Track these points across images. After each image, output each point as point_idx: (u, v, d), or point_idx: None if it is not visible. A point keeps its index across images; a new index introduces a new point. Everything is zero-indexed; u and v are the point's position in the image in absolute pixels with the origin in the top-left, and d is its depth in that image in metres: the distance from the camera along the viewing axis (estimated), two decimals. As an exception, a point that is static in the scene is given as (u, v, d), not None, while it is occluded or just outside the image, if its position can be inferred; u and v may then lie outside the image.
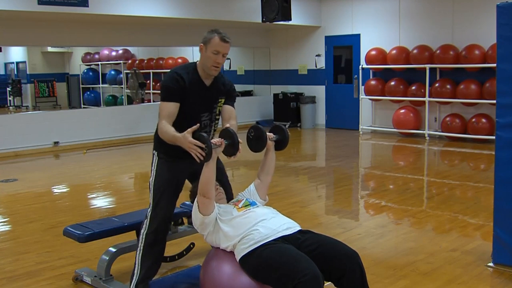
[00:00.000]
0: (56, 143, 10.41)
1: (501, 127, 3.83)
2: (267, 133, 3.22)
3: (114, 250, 3.73)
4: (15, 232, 5.33)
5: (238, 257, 2.89)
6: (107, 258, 3.70)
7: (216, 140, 2.96)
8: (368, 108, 12.14)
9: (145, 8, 9.98)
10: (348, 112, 12.49)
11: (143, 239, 3.34)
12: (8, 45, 17.47)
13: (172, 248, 4.24)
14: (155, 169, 3.40)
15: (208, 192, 2.96)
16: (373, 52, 11.58)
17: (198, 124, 3.03)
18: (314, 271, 2.60)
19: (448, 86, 10.40)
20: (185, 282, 3.54)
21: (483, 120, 9.96)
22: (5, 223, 5.70)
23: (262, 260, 2.77)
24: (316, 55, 13.12)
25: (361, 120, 12.02)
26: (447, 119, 10.53)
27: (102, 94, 18.51)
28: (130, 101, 15.61)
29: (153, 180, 3.38)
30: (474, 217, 5.32)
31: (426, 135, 10.79)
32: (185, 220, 4.16)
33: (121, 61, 17.34)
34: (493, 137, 4.14)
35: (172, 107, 3.21)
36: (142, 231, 3.36)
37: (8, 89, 20.13)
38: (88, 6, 9.11)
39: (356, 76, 12.14)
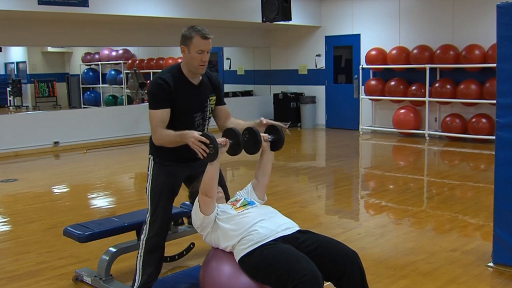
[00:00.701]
0: (56, 143, 10.41)
1: (501, 127, 3.83)
2: (262, 134, 3.17)
3: (114, 250, 3.73)
4: (15, 232, 5.34)
5: (237, 257, 2.89)
6: (107, 258, 3.70)
7: (221, 139, 2.96)
8: (368, 108, 12.13)
9: (145, 8, 9.98)
10: (348, 112, 12.49)
11: (143, 245, 3.34)
12: (8, 45, 17.48)
13: (172, 248, 4.24)
14: (151, 174, 3.38)
15: (210, 191, 2.95)
16: (373, 52, 11.58)
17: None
18: (314, 271, 2.60)
19: (448, 86, 10.39)
20: (185, 282, 3.54)
21: (483, 120, 9.96)
22: (5, 223, 5.71)
23: (262, 261, 2.77)
24: (316, 55, 13.12)
25: (361, 120, 12.02)
26: (447, 119, 10.53)
27: (102, 94, 18.52)
28: (130, 101, 15.61)
29: (149, 185, 3.37)
30: (474, 217, 5.32)
31: (426, 135, 10.79)
32: (185, 220, 4.16)
33: (121, 61, 17.35)
34: (493, 137, 4.14)
35: (163, 114, 3.17)
36: (142, 237, 3.35)
37: (8, 89, 20.13)
38: (88, 6, 9.11)
39: (356, 76, 12.14)
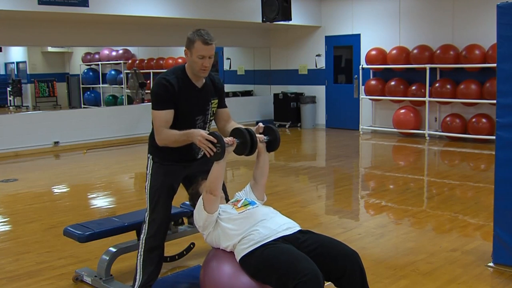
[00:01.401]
0: (56, 143, 10.41)
1: (501, 127, 3.83)
2: (258, 135, 3.14)
3: (114, 250, 3.73)
4: (15, 232, 5.34)
5: (238, 257, 2.89)
6: (107, 258, 3.70)
7: (228, 139, 2.96)
8: (368, 108, 12.13)
9: (145, 8, 9.98)
10: (348, 112, 12.49)
11: (143, 245, 3.34)
12: (8, 45, 17.48)
13: (172, 248, 4.24)
14: (150, 173, 3.38)
15: (215, 190, 2.95)
16: (373, 52, 11.58)
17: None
18: (315, 271, 2.60)
19: (448, 86, 10.39)
20: (185, 282, 3.54)
21: (483, 120, 9.96)
22: (5, 223, 5.71)
23: (262, 260, 2.77)
24: (316, 55, 13.12)
25: (361, 120, 12.02)
26: (447, 119, 10.53)
27: (102, 94, 18.52)
28: (130, 101, 15.61)
29: (148, 185, 3.37)
30: (474, 217, 5.32)
31: (426, 135, 10.78)
32: (185, 220, 4.16)
33: (121, 61, 17.35)
34: (493, 137, 4.14)
35: (167, 115, 3.17)
36: (142, 236, 3.36)
37: (8, 89, 20.14)
38: (88, 6, 9.11)
39: (356, 76, 12.14)
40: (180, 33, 12.53)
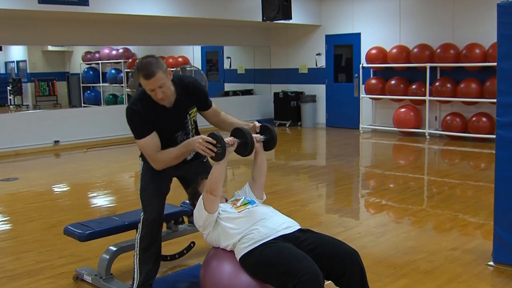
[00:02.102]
0: (56, 142, 10.41)
1: (502, 126, 3.83)
2: (254, 135, 3.11)
3: (114, 249, 3.72)
4: (15, 231, 5.34)
5: (238, 256, 2.89)
6: (108, 257, 3.70)
7: (229, 139, 2.95)
8: (369, 107, 12.13)
9: (146, 7, 9.98)
10: (349, 111, 12.49)
11: (138, 244, 3.35)
12: (9, 44, 17.49)
13: (172, 247, 4.24)
14: (141, 174, 3.41)
15: (216, 190, 2.94)
16: (374, 51, 11.57)
17: None
18: (315, 270, 2.60)
19: (449, 85, 10.39)
20: (185, 281, 3.54)
21: (484, 119, 9.96)
22: (5, 222, 5.71)
23: (262, 259, 2.77)
24: (317, 54, 13.12)
25: (361, 119, 12.01)
26: (448, 118, 10.53)
27: (102, 93, 18.51)
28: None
29: (140, 186, 3.40)
30: (475, 216, 5.32)
31: (427, 134, 10.78)
32: (185, 219, 4.16)
33: (122, 60, 17.34)
34: (494, 136, 4.13)
35: (153, 140, 3.13)
36: (137, 235, 3.37)
37: (8, 88, 20.14)
38: (88, 5, 9.11)
39: (356, 75, 12.13)
40: (181, 32, 12.60)
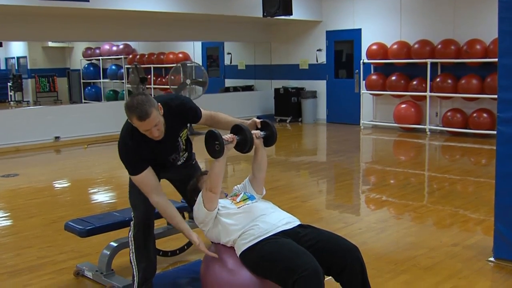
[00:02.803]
0: (57, 138, 10.41)
1: (502, 121, 3.82)
2: (254, 131, 3.09)
3: (115, 244, 3.73)
4: (16, 227, 5.35)
5: (238, 252, 2.89)
6: (108, 252, 3.71)
7: (228, 136, 2.93)
8: (369, 102, 12.12)
9: (146, 2, 9.96)
10: (349, 107, 12.48)
11: (132, 242, 3.34)
12: (9, 40, 17.46)
13: (173, 242, 4.25)
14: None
15: (215, 187, 2.94)
16: (374, 47, 11.56)
17: None
18: (315, 265, 2.60)
19: (449, 81, 10.38)
20: (186, 276, 3.55)
21: (484, 115, 9.95)
22: (6, 218, 5.71)
23: (263, 255, 2.77)
24: (317, 50, 13.10)
25: (362, 114, 12.00)
26: (448, 114, 10.52)
27: (103, 89, 18.51)
28: (131, 96, 15.59)
29: (129, 186, 3.37)
30: (475, 212, 5.32)
31: (427, 130, 10.78)
32: (186, 214, 4.16)
33: (122, 56, 17.33)
34: (494, 132, 4.14)
35: (149, 177, 3.09)
36: (129, 233, 3.36)
37: (9, 84, 20.10)
38: (88, 1, 9.09)
39: (357, 70, 12.12)
40: (181, 28, 12.58)
